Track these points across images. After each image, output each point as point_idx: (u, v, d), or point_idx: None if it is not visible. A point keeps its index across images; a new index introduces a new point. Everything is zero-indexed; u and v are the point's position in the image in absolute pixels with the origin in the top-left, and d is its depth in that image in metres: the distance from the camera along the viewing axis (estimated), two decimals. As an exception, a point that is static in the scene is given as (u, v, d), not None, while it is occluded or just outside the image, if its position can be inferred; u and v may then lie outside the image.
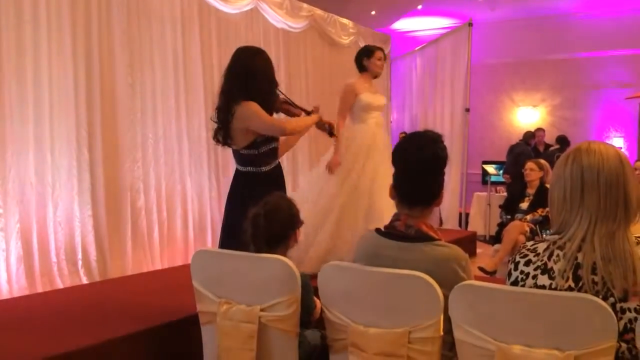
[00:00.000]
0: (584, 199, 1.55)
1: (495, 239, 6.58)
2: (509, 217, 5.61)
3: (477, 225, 8.56)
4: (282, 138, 3.22)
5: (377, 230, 2.00)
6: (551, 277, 1.55)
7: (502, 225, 5.75)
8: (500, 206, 7.88)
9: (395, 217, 1.98)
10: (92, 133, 4.14)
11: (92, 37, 4.16)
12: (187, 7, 4.90)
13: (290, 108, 3.38)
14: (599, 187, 1.53)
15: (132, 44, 4.42)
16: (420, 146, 1.92)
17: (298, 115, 3.42)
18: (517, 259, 1.63)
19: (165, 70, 4.69)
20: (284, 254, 2.27)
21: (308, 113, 3.41)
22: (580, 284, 1.51)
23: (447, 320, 1.70)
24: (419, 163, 1.91)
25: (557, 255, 1.56)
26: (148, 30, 4.55)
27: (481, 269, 4.91)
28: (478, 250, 7.21)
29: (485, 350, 1.59)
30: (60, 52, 3.97)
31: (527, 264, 1.61)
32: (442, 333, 1.74)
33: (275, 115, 3.24)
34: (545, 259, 1.58)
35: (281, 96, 3.31)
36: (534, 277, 1.58)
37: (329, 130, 3.43)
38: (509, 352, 1.53)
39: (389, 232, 1.96)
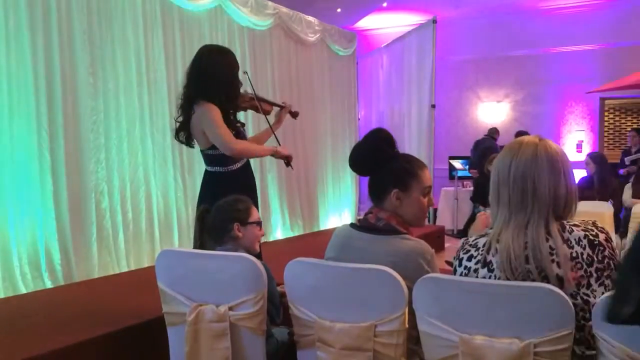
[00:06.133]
0: (500, 194, 1.63)
1: (463, 232, 6.68)
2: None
3: (445, 219, 8.69)
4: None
5: (352, 223, 2.07)
6: (490, 270, 1.61)
7: (473, 217, 5.82)
8: (471, 198, 8.01)
9: (369, 210, 2.04)
10: (54, 135, 4.06)
11: (52, 37, 4.07)
12: (149, 6, 4.83)
13: (261, 104, 3.32)
14: (508, 182, 1.60)
15: (93, 43, 4.34)
16: (358, 148, 2.05)
17: (268, 112, 3.40)
18: (461, 255, 1.69)
19: (127, 70, 4.61)
20: (236, 249, 2.30)
21: (280, 108, 3.43)
22: (517, 275, 1.55)
23: (413, 314, 1.73)
24: (356, 162, 2.04)
25: (495, 249, 1.60)
26: (109, 29, 4.47)
27: (449, 262, 4.98)
28: (446, 245, 7.31)
29: (449, 342, 1.61)
30: (19, 52, 3.88)
31: (469, 259, 1.67)
32: (407, 326, 1.76)
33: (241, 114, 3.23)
34: (484, 252, 1.63)
35: (249, 93, 3.29)
36: (476, 270, 1.64)
37: (287, 162, 3.27)
38: (472, 343, 1.56)
39: (361, 224, 2.02)
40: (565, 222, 1.60)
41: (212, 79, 2.93)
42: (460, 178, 8.85)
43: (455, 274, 1.69)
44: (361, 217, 2.12)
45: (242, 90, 3.21)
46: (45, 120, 4.00)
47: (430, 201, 2.03)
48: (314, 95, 7.08)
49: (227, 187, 2.92)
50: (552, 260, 1.53)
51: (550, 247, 1.54)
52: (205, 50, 3.06)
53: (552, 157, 1.60)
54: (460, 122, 10.22)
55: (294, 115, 3.57)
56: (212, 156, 3.04)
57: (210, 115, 2.89)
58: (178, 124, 3.04)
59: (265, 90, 5.95)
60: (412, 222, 2.01)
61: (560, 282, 1.52)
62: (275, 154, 3.19)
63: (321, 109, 7.21)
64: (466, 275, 1.64)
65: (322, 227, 7.14)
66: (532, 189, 1.58)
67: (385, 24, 10.24)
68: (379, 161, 1.99)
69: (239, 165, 3.07)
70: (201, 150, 3.09)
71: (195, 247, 2.46)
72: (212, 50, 3.08)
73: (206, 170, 3.11)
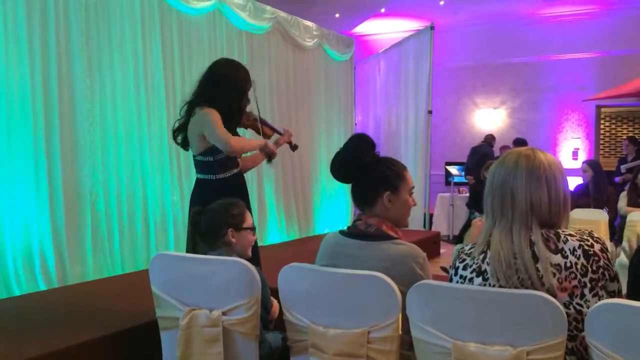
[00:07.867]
0: (485, 202, 1.68)
1: (459, 238, 6.68)
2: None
3: (441, 225, 8.69)
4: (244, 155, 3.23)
5: (341, 230, 2.06)
6: (485, 279, 1.62)
7: (469, 224, 5.81)
8: (467, 205, 8.01)
9: (358, 218, 2.04)
10: (50, 137, 4.05)
11: (49, 39, 4.06)
12: (148, 8, 4.83)
13: (262, 127, 3.32)
14: (492, 190, 1.66)
15: (91, 45, 4.34)
16: (342, 155, 2.06)
17: (269, 135, 3.40)
18: (457, 264, 1.70)
19: (125, 72, 4.61)
20: (229, 254, 2.29)
21: (280, 134, 3.40)
22: (509, 284, 1.56)
23: (406, 320, 1.72)
24: (340, 168, 2.06)
25: (490, 258, 1.61)
26: (107, 32, 4.47)
27: (443, 268, 4.98)
28: (442, 250, 7.31)
29: (442, 348, 1.61)
30: (16, 53, 3.87)
31: (465, 268, 1.68)
32: (400, 332, 1.76)
33: (242, 131, 3.22)
34: (479, 261, 1.64)
35: (254, 113, 3.30)
36: (470, 279, 1.65)
37: (269, 158, 3.25)
38: (465, 349, 1.56)
39: (351, 231, 2.01)
40: (560, 231, 1.60)
41: (223, 86, 2.97)
42: (457, 184, 8.86)
43: (451, 282, 1.70)
44: (357, 221, 2.12)
45: (248, 109, 3.24)
46: (42, 122, 3.99)
47: (414, 200, 2.07)
48: (311, 100, 7.08)
49: (216, 195, 2.90)
50: (537, 269, 1.54)
51: (534, 254, 1.55)
52: (222, 60, 3.15)
53: (534, 167, 1.62)
54: (456, 128, 10.24)
55: (293, 147, 3.51)
56: (202, 163, 3.02)
57: (211, 116, 2.90)
58: (177, 125, 3.05)
59: (262, 95, 5.96)
60: (400, 223, 2.04)
61: (544, 288, 1.53)
62: (264, 149, 3.19)
63: (318, 113, 7.22)
64: (462, 284, 1.65)
65: (318, 232, 7.13)
66: (511, 198, 1.61)
67: (383, 30, 10.27)
68: (367, 166, 2.01)
69: (228, 174, 3.05)
70: (193, 157, 3.07)
71: (187, 251, 2.45)
72: (228, 62, 3.15)
73: (197, 178, 3.09)
